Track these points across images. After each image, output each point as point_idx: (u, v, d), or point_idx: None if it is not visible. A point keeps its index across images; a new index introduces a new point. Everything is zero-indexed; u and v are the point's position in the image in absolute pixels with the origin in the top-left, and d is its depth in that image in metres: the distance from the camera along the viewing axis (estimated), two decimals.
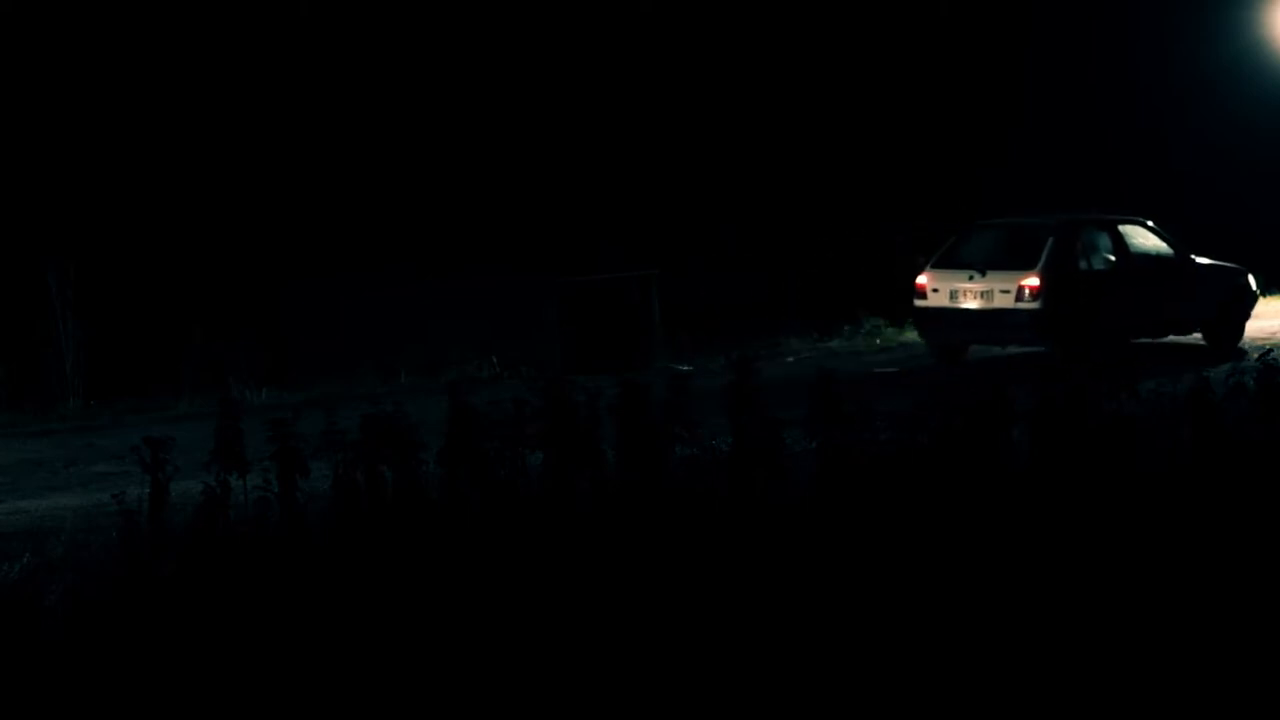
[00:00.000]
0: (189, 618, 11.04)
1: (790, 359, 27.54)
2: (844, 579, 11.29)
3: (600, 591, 11.21)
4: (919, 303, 24.76)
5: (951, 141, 36.60)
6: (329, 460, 12.62)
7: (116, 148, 32.13)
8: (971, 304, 23.98)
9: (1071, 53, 36.93)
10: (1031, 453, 13.01)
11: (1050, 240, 24.01)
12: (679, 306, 29.43)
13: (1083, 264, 24.36)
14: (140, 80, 32.55)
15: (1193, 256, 25.68)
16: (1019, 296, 23.61)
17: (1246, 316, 25.93)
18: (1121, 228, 25.10)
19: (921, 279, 24.67)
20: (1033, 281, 23.54)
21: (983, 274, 23.97)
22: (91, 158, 31.93)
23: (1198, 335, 25.64)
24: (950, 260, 24.58)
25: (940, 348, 25.19)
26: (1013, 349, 24.84)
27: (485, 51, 34.70)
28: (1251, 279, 26.19)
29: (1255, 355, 13.83)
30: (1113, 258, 24.67)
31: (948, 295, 24.20)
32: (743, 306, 31.52)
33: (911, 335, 27.55)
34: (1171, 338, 25.69)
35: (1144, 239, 25.29)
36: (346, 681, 10.39)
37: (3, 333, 26.24)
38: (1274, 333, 26.36)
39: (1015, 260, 23.95)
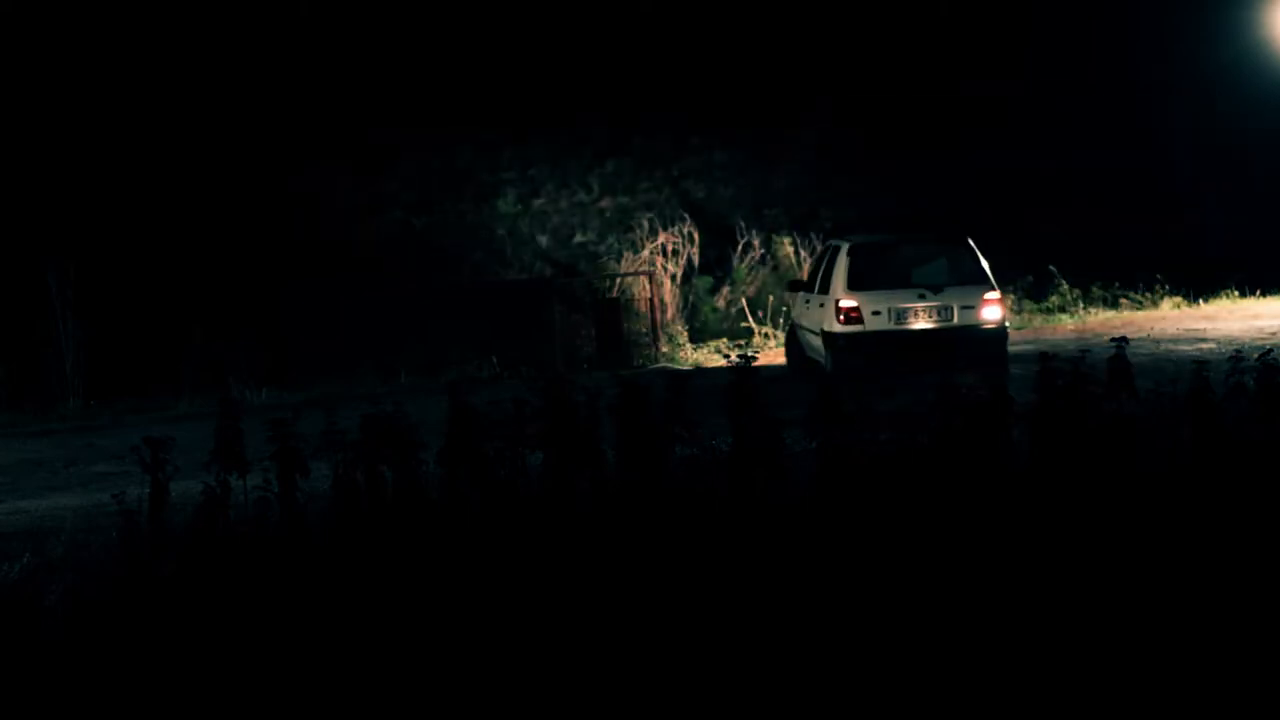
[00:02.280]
0: (189, 618, 11.04)
1: None
2: (844, 578, 11.29)
3: (601, 590, 11.21)
4: (849, 329, 22.13)
5: (950, 142, 36.58)
6: (329, 460, 12.62)
7: (117, 149, 32.13)
8: (924, 324, 22.18)
9: (1071, 53, 36.94)
10: (1031, 453, 13.00)
11: (977, 255, 23.08)
12: (678, 306, 29.45)
13: None
14: (141, 82, 32.56)
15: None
16: (983, 314, 22.34)
17: None
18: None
19: (849, 302, 22.16)
20: (994, 295, 22.44)
21: (936, 292, 22.31)
22: (92, 159, 31.94)
23: None
24: (866, 281, 22.38)
25: (855, 371, 22.21)
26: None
27: (486, 54, 34.71)
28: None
29: (1255, 355, 13.83)
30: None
31: (891, 317, 22.12)
32: (743, 306, 31.53)
33: None
34: None
35: None
36: (347, 680, 10.40)
37: (3, 333, 26.25)
38: (1274, 332, 26.36)
39: (958, 277, 22.51)
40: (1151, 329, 27.98)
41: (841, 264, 22.47)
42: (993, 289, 22.32)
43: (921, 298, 22.19)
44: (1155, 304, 31.36)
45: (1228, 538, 11.73)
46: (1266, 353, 13.64)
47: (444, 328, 27.75)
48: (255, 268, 31.42)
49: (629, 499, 12.62)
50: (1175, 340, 26.38)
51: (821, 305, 22.68)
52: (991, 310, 22.22)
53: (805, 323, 23.55)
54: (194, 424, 20.87)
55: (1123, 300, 31.34)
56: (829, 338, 22.28)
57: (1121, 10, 37.19)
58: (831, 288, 22.44)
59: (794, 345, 24.33)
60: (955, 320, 22.00)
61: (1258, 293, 32.00)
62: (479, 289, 28.73)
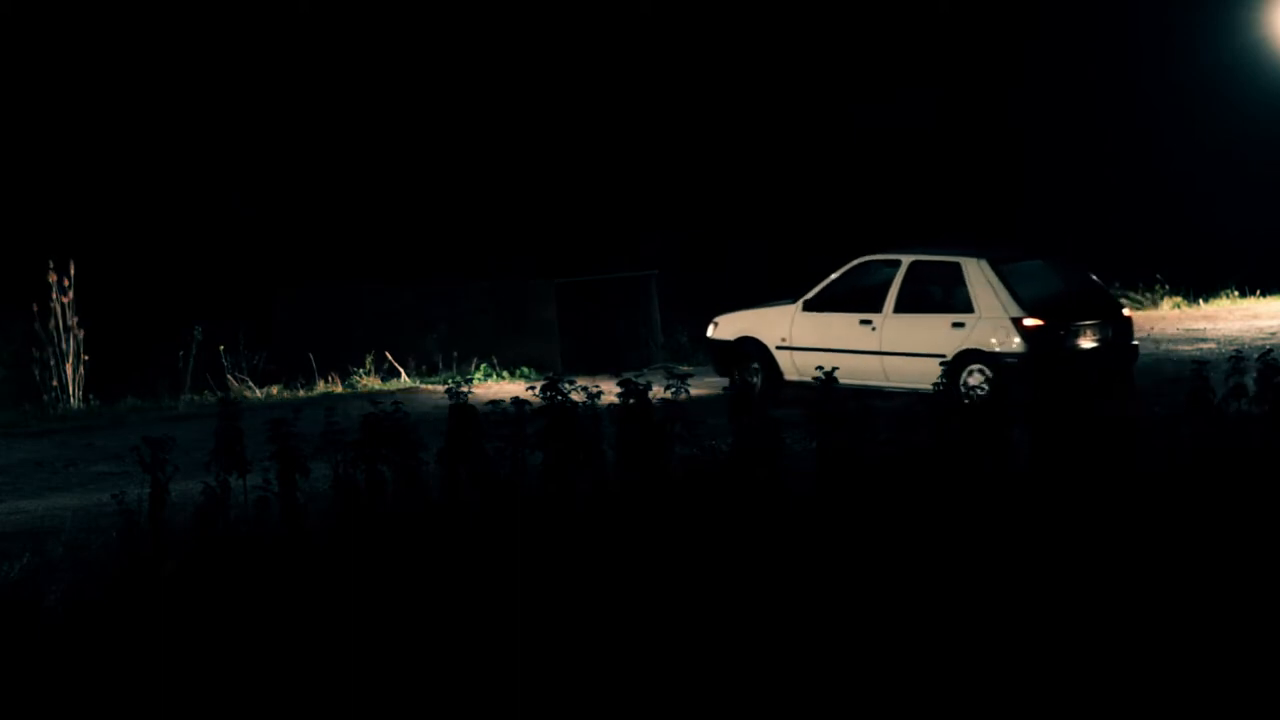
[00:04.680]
0: (189, 617, 11.04)
1: None
2: (845, 577, 11.28)
3: (601, 589, 11.20)
4: (1027, 349, 20.91)
5: (949, 141, 36.62)
6: (329, 460, 12.63)
7: (117, 149, 32.14)
8: (1090, 343, 21.26)
9: (1071, 52, 36.95)
10: (1031, 453, 13.01)
11: (1088, 270, 22.77)
12: (678, 307, 29.43)
13: None
14: (142, 83, 32.57)
15: None
16: (1123, 330, 21.74)
17: None
18: None
19: (1034, 321, 21.02)
20: (1128, 312, 22.18)
21: (1093, 311, 21.57)
22: (92, 159, 31.95)
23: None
24: (1030, 299, 21.24)
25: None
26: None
27: (486, 56, 34.71)
28: None
29: (1255, 355, 13.84)
30: None
31: (1069, 336, 21.23)
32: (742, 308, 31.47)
33: None
34: None
35: None
36: (347, 679, 10.40)
37: (3, 332, 26.24)
38: (1274, 332, 26.35)
39: (1090, 298, 21.81)
40: (1151, 329, 27.98)
41: (986, 280, 21.44)
42: (1125, 306, 22.18)
43: (1090, 316, 21.56)
44: (1155, 304, 31.32)
45: (1227, 537, 11.73)
46: (1266, 353, 13.66)
47: (444, 328, 27.73)
48: (256, 268, 31.43)
49: (629, 499, 12.62)
50: (1175, 340, 26.37)
51: (924, 325, 21.44)
52: (1129, 327, 21.94)
53: (829, 344, 22.35)
54: (194, 424, 20.88)
55: (1123, 300, 31.31)
56: (993, 357, 21.05)
57: (1121, 10, 37.20)
58: (979, 305, 21.29)
59: (770, 367, 23.16)
60: (1110, 336, 21.46)
61: (1258, 293, 31.97)
62: (479, 289, 28.68)
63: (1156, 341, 26.23)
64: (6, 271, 28.11)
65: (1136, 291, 31.72)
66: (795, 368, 22.35)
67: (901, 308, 21.76)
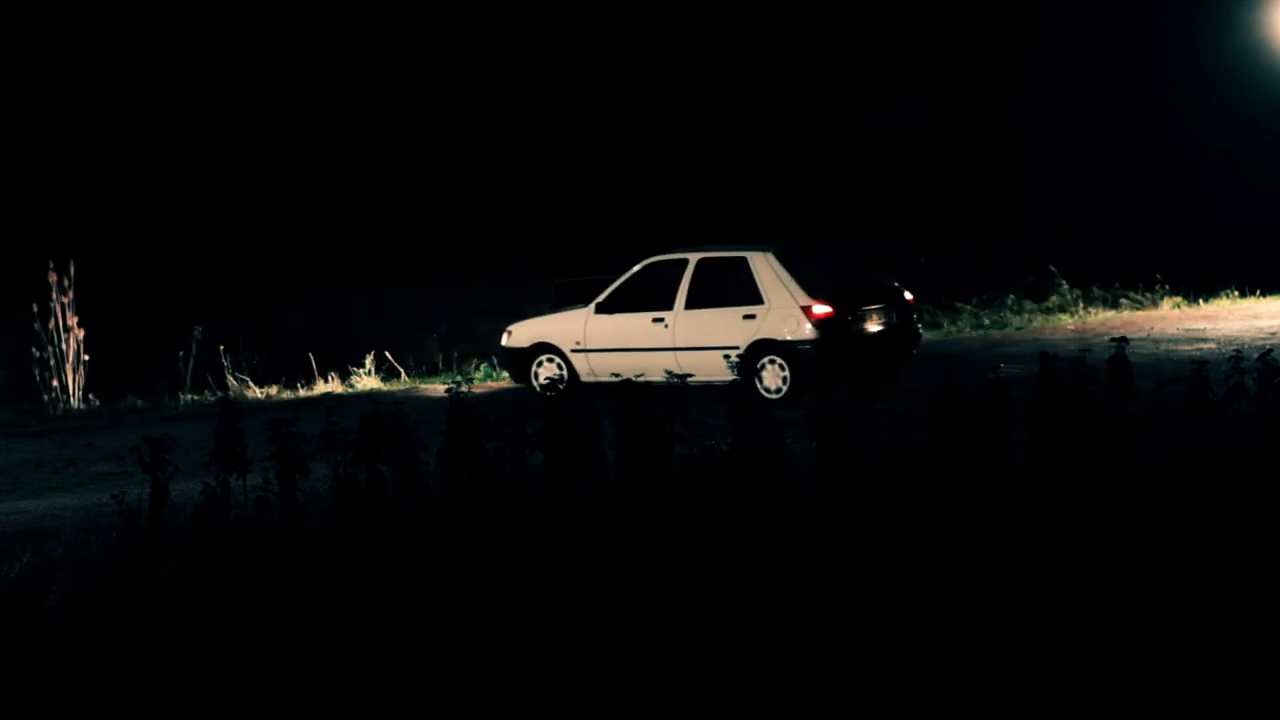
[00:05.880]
0: (190, 618, 11.05)
1: None
2: (846, 577, 11.28)
3: (601, 589, 11.21)
4: (819, 335, 21.57)
5: (949, 141, 36.63)
6: (329, 460, 12.63)
7: (117, 149, 32.16)
8: (876, 327, 22.08)
9: (1071, 52, 36.96)
10: (1032, 453, 13.01)
11: (864, 260, 23.71)
12: None
13: None
14: (142, 84, 32.59)
15: None
16: (908, 315, 22.67)
17: None
18: None
19: (823, 309, 21.59)
20: (911, 297, 22.92)
21: (881, 297, 22.39)
22: (92, 159, 31.97)
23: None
24: (820, 288, 21.91)
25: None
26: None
27: (486, 57, 34.73)
28: None
29: (1255, 355, 13.83)
30: None
31: (857, 322, 21.90)
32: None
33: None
34: None
35: None
36: (346, 680, 10.40)
37: (3, 332, 26.27)
38: (1274, 332, 26.34)
39: (874, 284, 22.65)
40: (1151, 329, 27.97)
41: (774, 272, 22.02)
42: (905, 291, 22.93)
43: (875, 302, 22.26)
44: (1155, 304, 31.31)
45: (1227, 538, 11.73)
46: (1267, 353, 13.66)
47: (444, 328, 27.78)
48: (256, 269, 31.47)
49: (629, 499, 12.62)
50: (1175, 340, 26.35)
51: (719, 317, 21.95)
52: (911, 311, 22.81)
53: (623, 344, 22.69)
54: (194, 424, 20.90)
55: (1123, 300, 31.29)
56: (785, 346, 21.65)
57: (1121, 10, 37.21)
58: (769, 296, 21.85)
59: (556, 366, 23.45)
60: (895, 322, 22.28)
61: (1258, 293, 31.97)
62: (479, 289, 28.74)
63: (1156, 341, 26.21)
64: (6, 271, 28.14)
65: (1136, 291, 31.74)
66: (591, 369, 23.03)
67: (693, 304, 22.48)
